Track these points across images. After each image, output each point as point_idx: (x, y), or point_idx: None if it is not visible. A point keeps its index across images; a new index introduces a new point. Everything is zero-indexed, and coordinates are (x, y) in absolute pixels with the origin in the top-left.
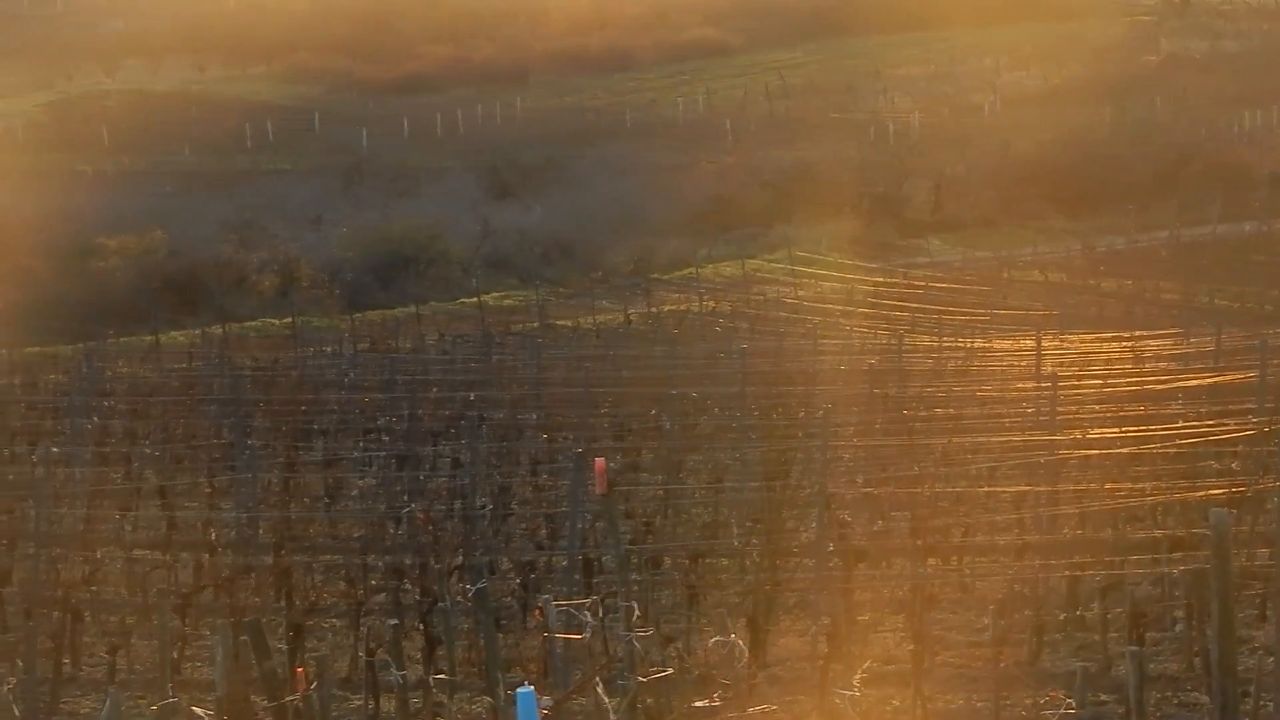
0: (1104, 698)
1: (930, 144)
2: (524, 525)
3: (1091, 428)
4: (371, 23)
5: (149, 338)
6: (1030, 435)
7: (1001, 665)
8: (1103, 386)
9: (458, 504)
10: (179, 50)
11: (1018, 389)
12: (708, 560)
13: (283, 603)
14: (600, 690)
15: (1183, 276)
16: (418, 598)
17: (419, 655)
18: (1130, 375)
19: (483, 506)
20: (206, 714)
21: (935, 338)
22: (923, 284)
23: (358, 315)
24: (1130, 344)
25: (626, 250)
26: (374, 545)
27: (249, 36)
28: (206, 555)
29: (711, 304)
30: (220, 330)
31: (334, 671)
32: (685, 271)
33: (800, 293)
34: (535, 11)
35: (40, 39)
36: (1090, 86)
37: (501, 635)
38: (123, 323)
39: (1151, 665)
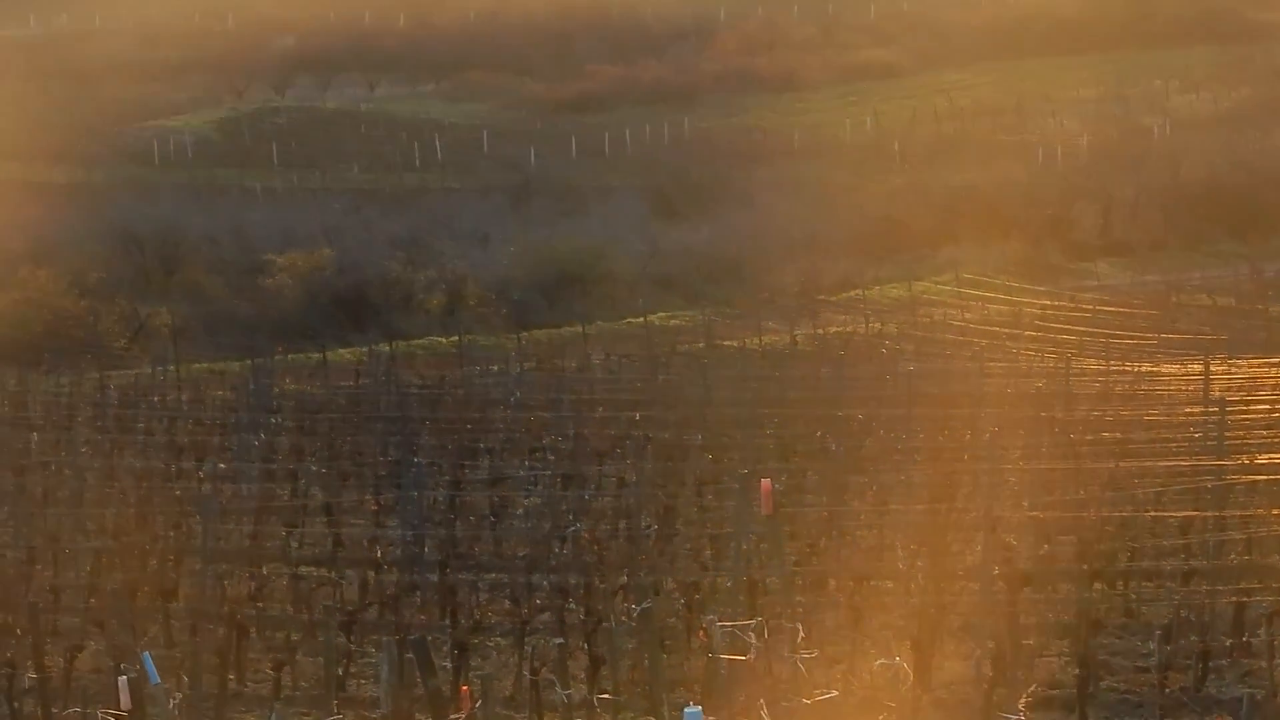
0: None
1: (1099, 167)
2: (689, 546)
3: (1259, 453)
4: (541, 42)
5: (316, 355)
6: (1197, 460)
7: (1167, 691)
8: (1270, 411)
9: (623, 524)
10: (349, 68)
11: (1185, 414)
12: (872, 582)
13: (448, 621)
14: (765, 711)
15: None
16: (582, 617)
17: (583, 675)
18: None
19: (648, 527)
20: None
21: (1103, 362)
22: (1090, 307)
23: (524, 334)
24: None
25: (793, 271)
26: (539, 564)
27: (419, 54)
28: (372, 572)
29: (878, 326)
30: (387, 348)
31: (498, 690)
32: (852, 293)
33: (967, 315)
34: (704, 32)
35: (211, 55)
36: (1262, 109)
37: (666, 655)
38: (290, 339)
39: None
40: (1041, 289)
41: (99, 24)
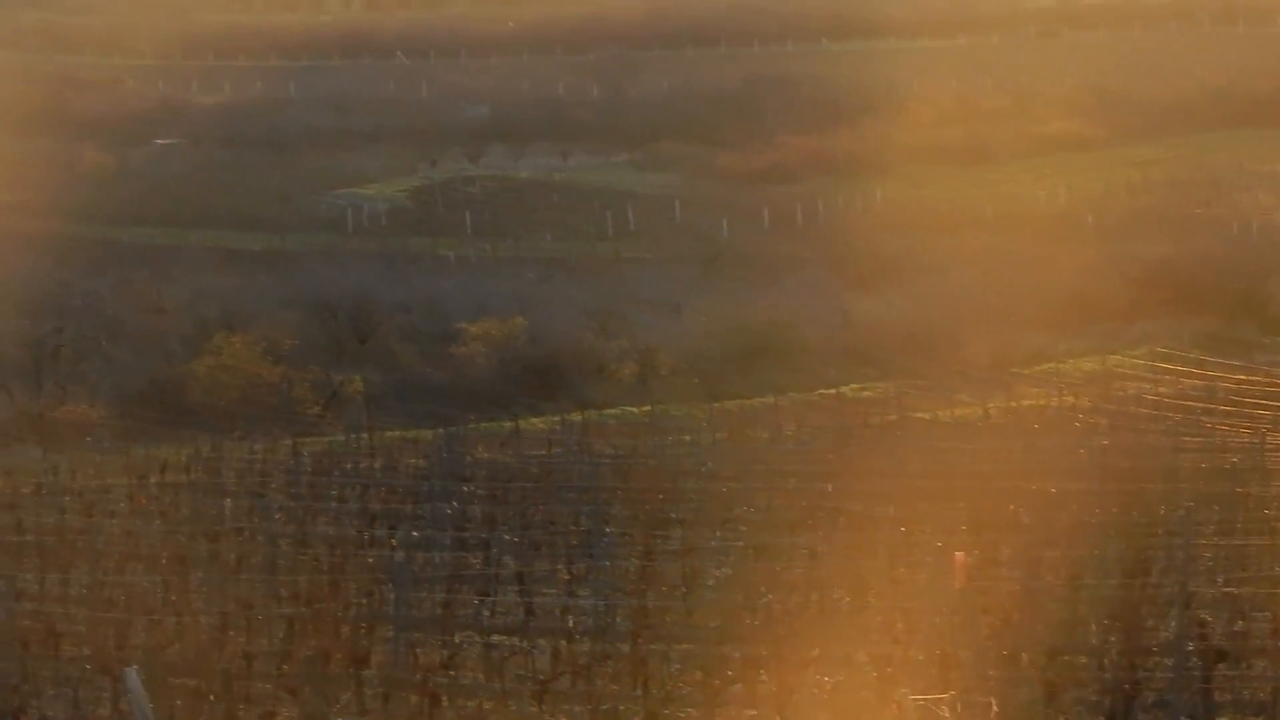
0: None
1: None
2: (881, 618)
3: None
4: (733, 112)
5: (509, 423)
6: None
7: None
8: None
9: (814, 596)
10: (542, 137)
11: None
12: (1065, 657)
13: (639, 691)
14: None
15: None
16: (774, 689)
17: None
18: None
19: (839, 599)
20: None
21: None
22: None
23: (715, 404)
24: None
25: (986, 343)
26: (730, 635)
27: (612, 124)
28: (564, 642)
29: (1071, 399)
30: (579, 416)
31: None
32: (1045, 365)
33: (1160, 389)
34: (896, 102)
35: (405, 123)
36: None
37: None
38: (483, 407)
39: None
40: (1236, 363)
41: (294, 93)
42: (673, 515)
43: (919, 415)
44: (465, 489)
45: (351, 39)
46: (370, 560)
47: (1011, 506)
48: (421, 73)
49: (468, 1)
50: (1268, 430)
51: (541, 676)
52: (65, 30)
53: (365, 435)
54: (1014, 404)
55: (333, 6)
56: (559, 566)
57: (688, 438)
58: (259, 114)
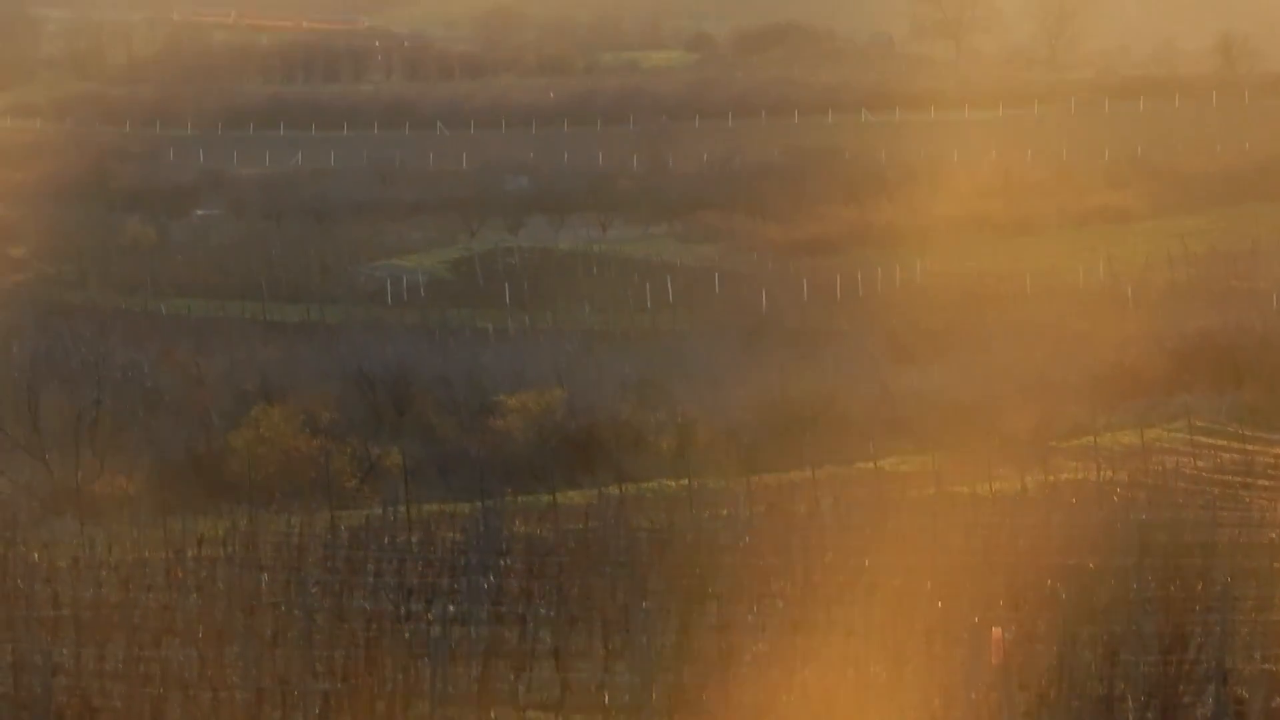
0: None
1: None
2: (918, 695)
3: None
4: (775, 183)
5: (546, 496)
6: None
7: None
8: None
9: (851, 671)
10: (582, 207)
11: None
12: None
13: None
14: None
15: None
16: None
17: None
18: None
19: (877, 675)
20: None
21: None
22: None
23: (754, 477)
24: None
25: (1024, 416)
26: (768, 711)
27: (652, 195)
28: (600, 718)
29: (1109, 473)
30: (617, 490)
31: None
32: (1084, 440)
33: (1199, 463)
34: (936, 174)
35: (446, 194)
36: None
37: None
38: (521, 480)
39: None
40: (1275, 437)
41: (334, 163)
42: (710, 590)
43: (957, 489)
44: (502, 563)
45: (392, 109)
46: (407, 635)
47: (1049, 581)
48: (462, 143)
49: (509, 73)
50: None
51: None
52: (108, 100)
53: (403, 508)
54: (1052, 478)
55: (374, 77)
56: (595, 641)
57: (725, 511)
58: (300, 185)
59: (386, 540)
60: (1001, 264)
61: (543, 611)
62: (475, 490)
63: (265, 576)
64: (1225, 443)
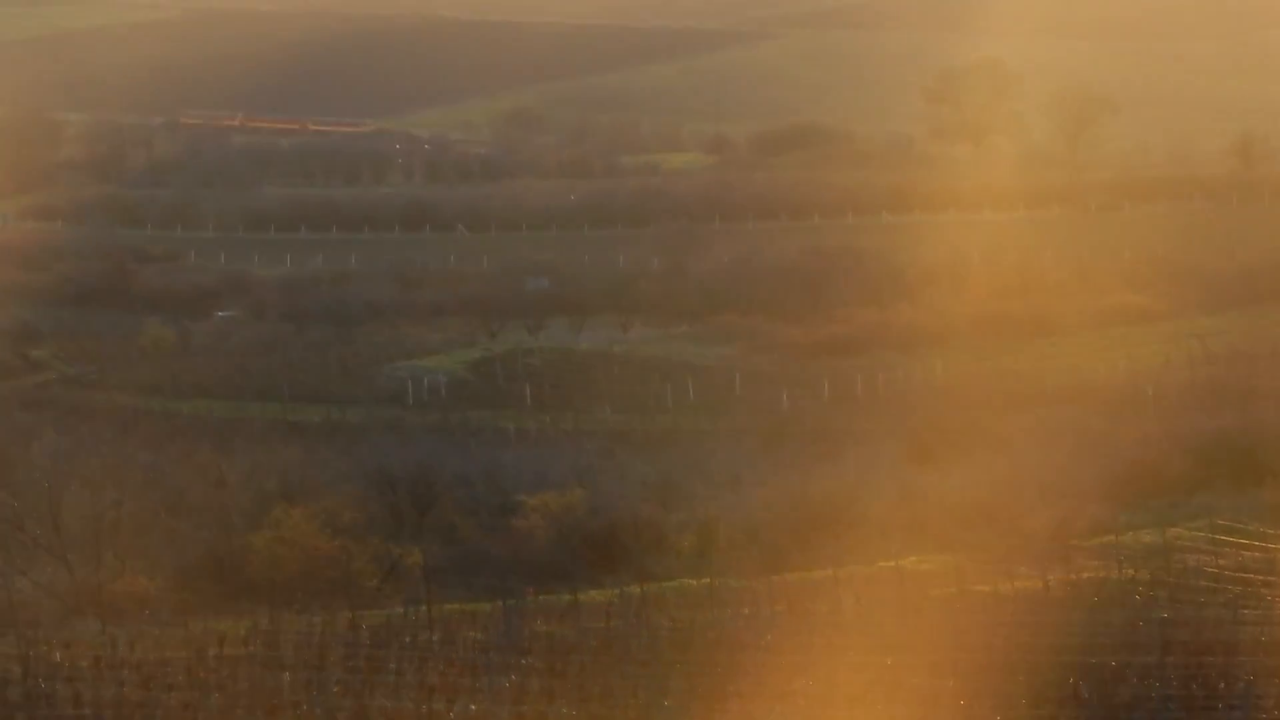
0: None
1: None
2: None
3: None
4: (794, 284)
5: (568, 596)
6: None
7: None
8: None
9: None
10: (603, 309)
11: None
12: None
13: None
14: None
15: None
16: None
17: None
18: None
19: None
20: None
21: None
22: None
23: (775, 576)
24: None
25: (1046, 516)
26: None
27: (672, 296)
28: None
29: (1131, 572)
30: (638, 589)
31: None
32: (1105, 539)
33: (1221, 562)
34: (957, 275)
35: (466, 296)
36: None
37: None
38: (542, 580)
39: None
40: None
41: (355, 265)
42: (732, 689)
43: (979, 588)
44: (524, 662)
45: (413, 211)
46: None
47: (1072, 680)
48: (483, 245)
49: (529, 175)
50: None
51: None
52: (128, 203)
53: (424, 608)
54: (1074, 577)
55: (394, 179)
56: None
57: (747, 610)
58: (320, 287)
59: (408, 639)
60: (1021, 364)
61: (565, 710)
62: (497, 589)
63: (287, 676)
64: (1247, 541)
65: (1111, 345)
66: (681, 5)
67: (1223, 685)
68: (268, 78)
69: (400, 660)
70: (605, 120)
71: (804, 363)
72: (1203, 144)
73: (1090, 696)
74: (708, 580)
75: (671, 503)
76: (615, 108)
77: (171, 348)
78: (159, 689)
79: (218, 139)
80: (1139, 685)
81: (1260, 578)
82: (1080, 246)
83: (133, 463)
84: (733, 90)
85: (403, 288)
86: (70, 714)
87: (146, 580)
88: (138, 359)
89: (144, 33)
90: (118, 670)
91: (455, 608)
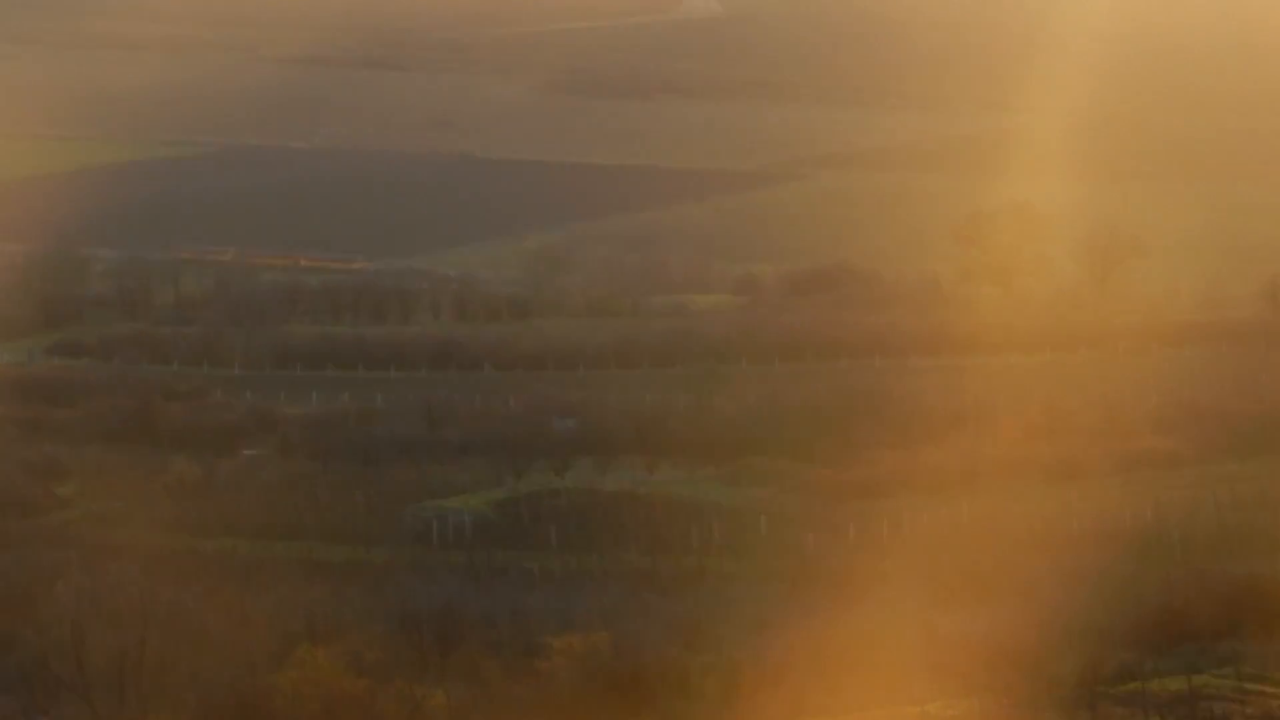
0: None
1: None
2: None
3: None
4: (821, 427)
5: None
6: None
7: None
8: None
9: None
10: (629, 450)
11: None
12: None
13: None
14: None
15: None
16: None
17: None
18: None
19: None
20: None
21: None
22: None
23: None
24: None
25: (1071, 660)
26: None
27: (699, 438)
28: None
29: (1157, 718)
30: None
31: None
32: (1131, 685)
33: (1249, 710)
34: (984, 417)
35: (493, 435)
36: None
37: None
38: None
39: None
40: None
41: (381, 404)
42: None
43: None
44: None
45: (440, 350)
46: None
47: None
48: (509, 384)
49: (557, 315)
50: None
51: None
52: (155, 339)
53: None
54: None
55: (422, 318)
56: None
57: None
58: (347, 424)
59: None
60: (1048, 507)
61: None
62: None
63: None
64: (1274, 690)
65: (1139, 489)
66: (709, 146)
67: None
68: (298, 214)
69: None
70: (633, 260)
71: (831, 504)
72: (1232, 287)
73: None
74: None
75: (697, 645)
76: (643, 247)
77: (197, 485)
78: None
79: (245, 275)
80: None
81: None
82: (1108, 390)
83: (157, 601)
84: (761, 231)
85: (429, 426)
86: None
87: (171, 719)
88: (163, 496)
89: (174, 168)
90: None
91: None
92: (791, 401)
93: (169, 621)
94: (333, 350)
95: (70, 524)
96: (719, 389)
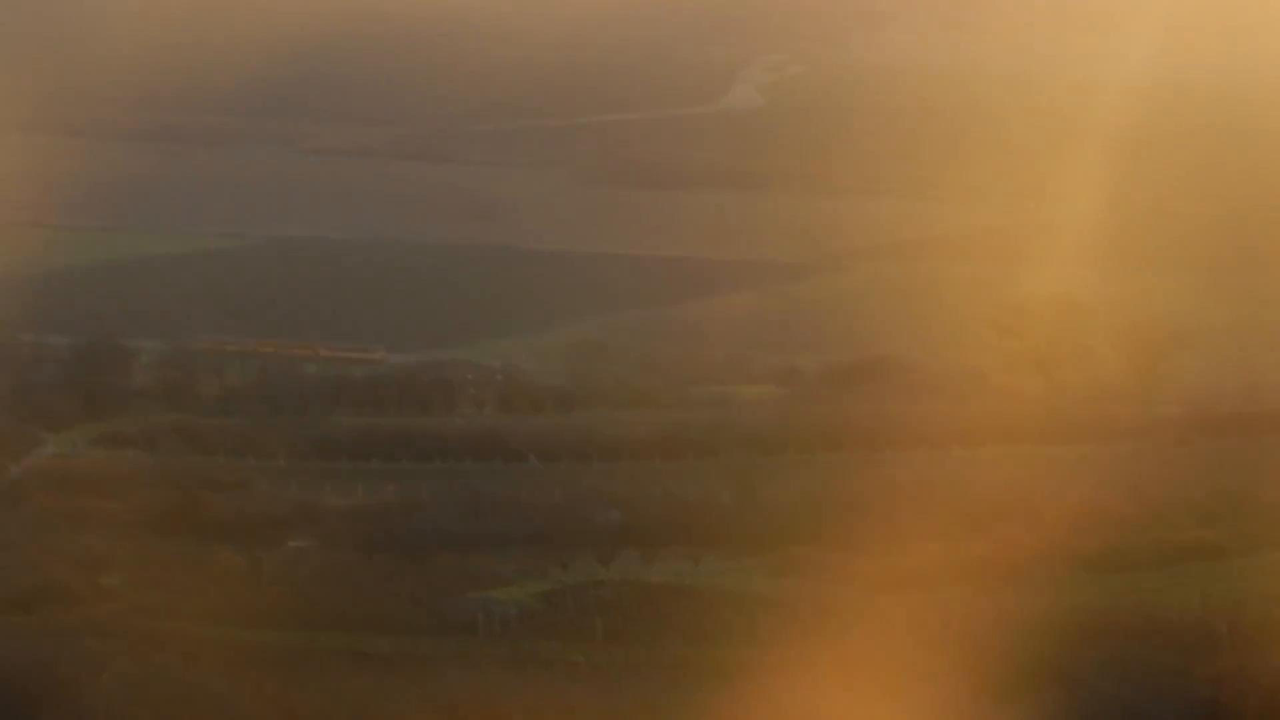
0: None
1: None
2: None
3: None
4: (866, 517)
5: None
6: None
7: None
8: None
9: None
10: (674, 541)
11: None
12: None
13: None
14: None
15: None
16: None
17: None
18: None
19: None
20: None
21: None
22: None
23: None
24: None
25: None
26: None
27: (744, 528)
28: None
29: None
30: None
31: None
32: None
33: None
34: (1027, 509)
35: (537, 527)
36: None
37: None
38: None
39: None
40: None
41: (426, 495)
42: None
43: None
44: None
45: (484, 441)
46: None
47: None
48: (553, 476)
49: (600, 405)
50: None
51: None
52: (198, 431)
53: None
54: None
55: (466, 409)
56: None
57: None
58: (391, 516)
59: None
60: (1092, 600)
61: None
62: None
63: None
64: None
65: (1184, 581)
66: (751, 237)
67: None
68: (340, 306)
69: None
70: (676, 350)
71: (875, 595)
72: (1275, 378)
73: None
74: None
75: None
76: (686, 338)
77: (241, 576)
78: None
79: (289, 366)
80: None
81: None
82: (1151, 481)
83: (203, 693)
84: (803, 321)
85: (473, 517)
86: None
87: None
88: (207, 587)
89: (215, 260)
90: None
91: None
92: (835, 492)
93: (213, 713)
94: (377, 441)
95: (114, 615)
96: (763, 479)
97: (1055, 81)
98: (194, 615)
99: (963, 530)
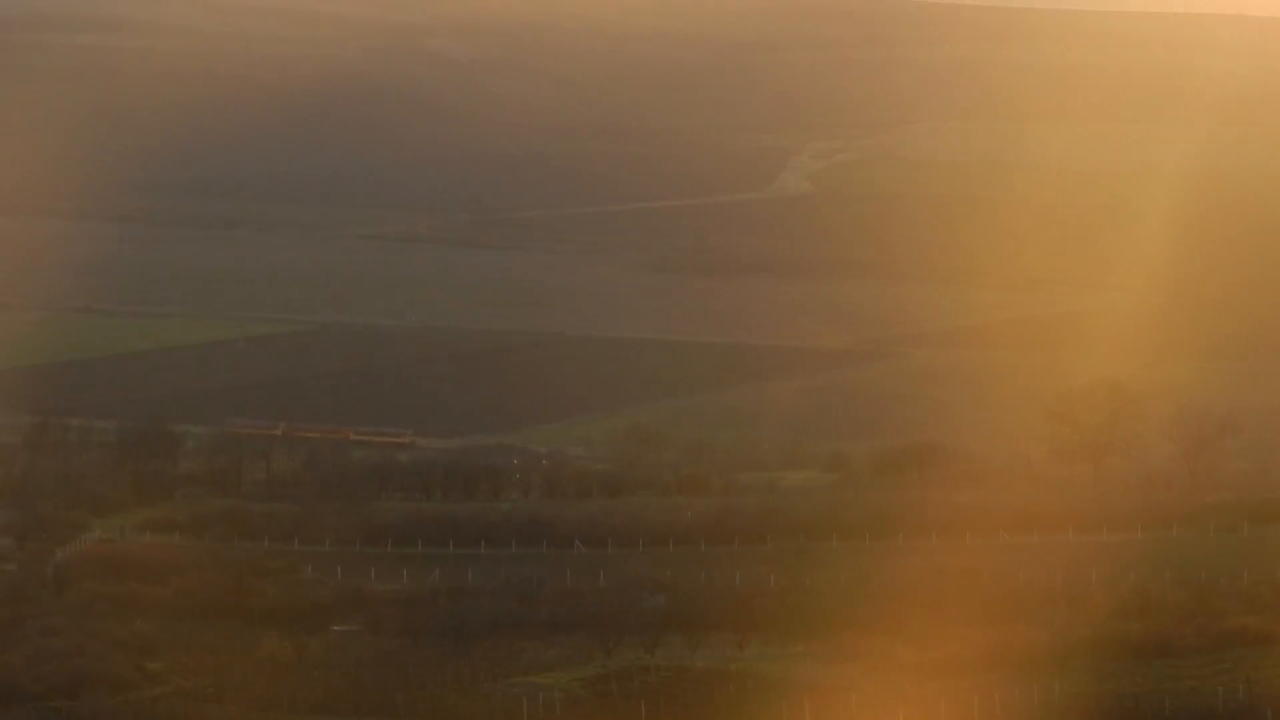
0: None
1: None
2: None
3: None
4: (912, 604)
5: None
6: None
7: None
8: None
9: None
10: (720, 626)
11: None
12: None
13: None
14: None
15: None
16: None
17: None
18: None
19: None
20: None
21: None
22: None
23: None
24: None
25: None
26: None
27: (790, 614)
28: None
29: None
30: None
31: None
32: None
33: None
34: (1074, 596)
35: (583, 612)
36: None
37: None
38: None
39: None
40: None
41: (472, 580)
42: None
43: None
44: None
45: (530, 527)
46: None
47: None
48: (599, 561)
49: (647, 491)
50: None
51: None
52: (246, 516)
53: None
54: None
55: (512, 495)
56: None
57: None
58: (437, 601)
59: None
60: (1139, 686)
61: None
62: None
63: None
64: None
65: (1231, 667)
66: (800, 324)
67: None
68: (389, 391)
69: None
70: (724, 437)
71: (922, 682)
72: None
73: None
74: None
75: None
76: (734, 424)
77: (288, 662)
78: None
79: (336, 452)
80: None
81: None
82: (1199, 568)
83: None
84: (851, 408)
85: (520, 603)
86: None
87: None
88: (254, 673)
89: (262, 345)
90: None
91: None
92: (882, 578)
93: None
94: (424, 526)
95: (160, 700)
96: (809, 566)
97: (1105, 171)
98: (240, 700)
99: (1009, 617)
